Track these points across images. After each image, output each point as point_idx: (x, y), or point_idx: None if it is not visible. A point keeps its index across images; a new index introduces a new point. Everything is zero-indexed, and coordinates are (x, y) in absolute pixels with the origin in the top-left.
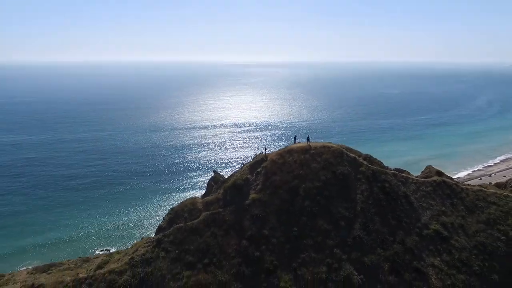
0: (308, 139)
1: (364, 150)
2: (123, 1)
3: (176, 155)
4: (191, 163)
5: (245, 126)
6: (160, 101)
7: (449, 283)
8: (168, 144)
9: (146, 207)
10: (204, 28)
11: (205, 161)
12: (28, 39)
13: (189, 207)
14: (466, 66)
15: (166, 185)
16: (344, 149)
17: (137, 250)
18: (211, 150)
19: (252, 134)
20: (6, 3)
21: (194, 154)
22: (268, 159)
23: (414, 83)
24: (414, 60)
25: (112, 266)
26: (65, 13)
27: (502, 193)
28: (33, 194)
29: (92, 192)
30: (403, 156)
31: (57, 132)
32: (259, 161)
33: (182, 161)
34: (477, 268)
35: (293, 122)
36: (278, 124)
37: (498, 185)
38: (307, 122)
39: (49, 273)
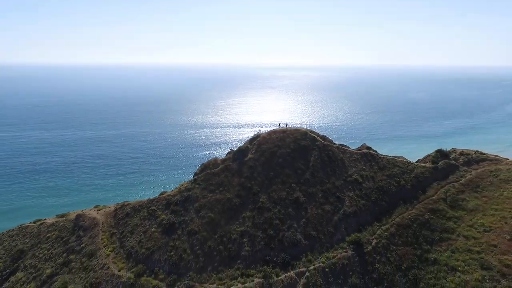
0: (286, 124)
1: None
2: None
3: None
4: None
5: (271, 127)
6: (193, 104)
7: (354, 204)
8: (201, 140)
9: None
10: (232, 31)
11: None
12: (42, 40)
13: (212, 162)
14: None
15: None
16: (308, 131)
17: (182, 185)
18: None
19: None
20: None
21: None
22: (261, 136)
23: (446, 87)
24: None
25: (168, 193)
26: (85, 14)
27: (407, 161)
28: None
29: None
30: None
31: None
32: (255, 137)
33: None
34: (373, 198)
35: (321, 125)
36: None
37: (419, 161)
38: (333, 126)
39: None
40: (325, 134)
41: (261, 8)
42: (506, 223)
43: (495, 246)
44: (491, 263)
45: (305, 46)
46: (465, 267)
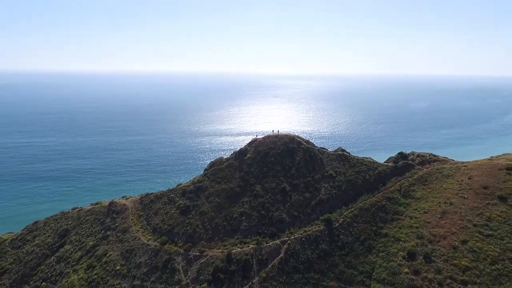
0: (278, 131)
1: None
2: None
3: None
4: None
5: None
6: (199, 112)
7: (328, 193)
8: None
9: None
10: (232, 41)
11: None
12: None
13: (219, 160)
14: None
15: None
16: (295, 137)
17: (195, 178)
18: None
19: None
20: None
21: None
22: (257, 140)
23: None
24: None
25: (183, 184)
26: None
27: (373, 161)
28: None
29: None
30: None
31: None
32: (253, 141)
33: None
34: (343, 189)
35: (322, 133)
36: (304, 136)
37: (385, 162)
38: (333, 135)
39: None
40: (325, 142)
41: (264, 16)
42: (439, 206)
43: (429, 222)
44: (424, 234)
45: (307, 55)
46: (406, 238)
